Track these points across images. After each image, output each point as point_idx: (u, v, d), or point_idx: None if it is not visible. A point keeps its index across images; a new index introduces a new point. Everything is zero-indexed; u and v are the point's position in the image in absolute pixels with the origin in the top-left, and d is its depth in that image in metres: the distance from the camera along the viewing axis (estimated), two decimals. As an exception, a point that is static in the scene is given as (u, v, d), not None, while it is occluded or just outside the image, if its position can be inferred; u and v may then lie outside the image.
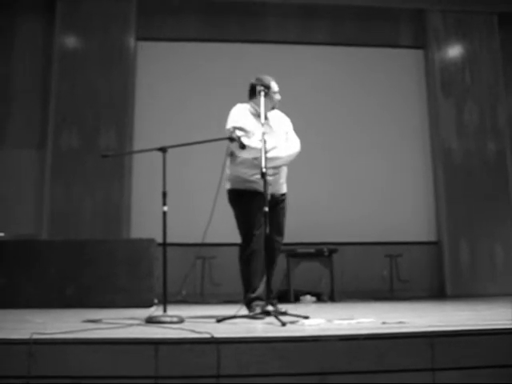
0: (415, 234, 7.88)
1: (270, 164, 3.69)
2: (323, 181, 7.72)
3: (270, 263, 3.72)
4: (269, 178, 3.69)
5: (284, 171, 4.00)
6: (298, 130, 4.19)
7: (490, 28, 8.21)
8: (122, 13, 7.72)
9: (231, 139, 3.60)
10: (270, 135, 3.82)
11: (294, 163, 4.04)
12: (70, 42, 7.62)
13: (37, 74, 7.71)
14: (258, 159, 3.65)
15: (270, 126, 3.91)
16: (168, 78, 7.84)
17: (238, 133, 3.76)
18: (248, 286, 3.82)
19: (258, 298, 3.74)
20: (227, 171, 3.95)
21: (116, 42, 7.66)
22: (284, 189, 4.03)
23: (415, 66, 8.31)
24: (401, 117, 8.12)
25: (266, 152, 3.51)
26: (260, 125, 3.74)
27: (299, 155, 4.06)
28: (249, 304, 3.75)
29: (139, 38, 7.86)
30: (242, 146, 3.59)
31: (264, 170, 3.37)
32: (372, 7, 8.19)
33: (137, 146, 7.45)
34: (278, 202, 3.94)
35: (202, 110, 7.51)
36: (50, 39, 7.66)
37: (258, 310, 3.55)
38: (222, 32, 8.00)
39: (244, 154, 3.78)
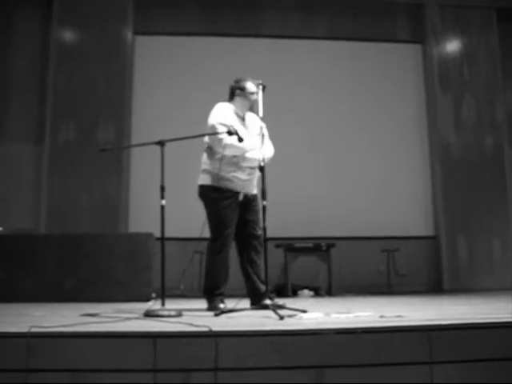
0: (413, 228, 7.90)
1: (248, 164, 3.79)
2: (321, 176, 7.72)
3: (254, 252, 3.85)
4: (245, 178, 3.82)
5: (257, 173, 3.92)
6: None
7: (488, 23, 8.21)
8: (120, 7, 7.70)
9: (230, 133, 3.60)
10: (248, 136, 3.83)
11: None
12: (68, 36, 7.60)
13: (34, 68, 7.70)
14: (237, 157, 3.75)
15: (247, 127, 3.93)
16: (166, 72, 7.83)
17: (222, 128, 3.76)
18: (211, 280, 3.88)
19: (221, 294, 3.85)
20: (203, 166, 3.97)
21: (113, 36, 7.65)
22: (255, 190, 4.01)
23: (413, 60, 8.31)
24: (399, 112, 8.12)
25: (246, 151, 3.64)
26: (241, 126, 3.84)
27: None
28: (210, 299, 3.84)
29: (137, 33, 7.84)
30: (240, 140, 3.59)
31: (262, 163, 3.38)
32: (370, 2, 8.18)
33: (135, 140, 7.45)
34: (250, 200, 3.94)
35: (200, 104, 7.43)
36: (48, 34, 7.65)
37: (221, 306, 3.68)
38: (220, 26, 7.98)
39: (225, 151, 3.78)
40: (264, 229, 3.43)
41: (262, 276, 3.77)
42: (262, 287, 3.73)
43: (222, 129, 3.75)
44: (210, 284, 3.89)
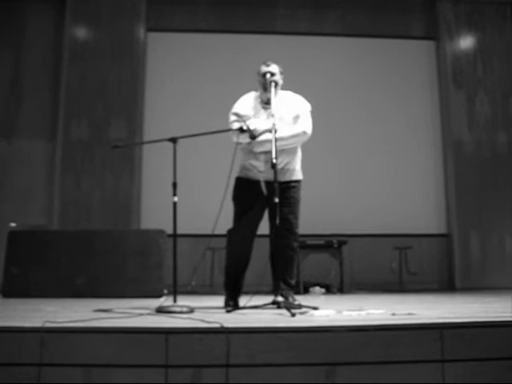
0: (425, 226, 7.86)
1: (261, 149, 3.61)
2: (333, 173, 7.71)
3: (279, 247, 3.63)
4: (261, 164, 3.64)
5: (284, 158, 3.68)
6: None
7: (503, 18, 8.14)
8: (132, 4, 7.73)
9: (241, 130, 3.58)
10: (268, 120, 3.57)
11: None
12: (80, 33, 7.64)
13: (47, 65, 7.74)
14: (251, 144, 3.62)
15: (269, 111, 3.62)
16: (178, 68, 7.84)
17: (232, 117, 3.76)
18: (226, 271, 3.82)
19: (237, 289, 3.75)
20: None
21: (126, 33, 7.67)
22: (286, 176, 3.72)
23: (426, 57, 8.26)
24: (412, 108, 8.08)
25: (254, 137, 3.53)
26: (262, 111, 3.71)
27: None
28: (226, 293, 3.77)
29: (149, 29, 7.86)
30: (253, 137, 3.57)
31: (274, 161, 3.26)
32: (383, -2, 8.16)
33: (146, 137, 7.48)
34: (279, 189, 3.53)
35: (212, 101, 7.50)
36: (61, 30, 7.69)
37: (231, 302, 3.61)
38: (232, 23, 7.99)
39: (238, 139, 3.64)
40: (276, 226, 3.36)
41: (284, 273, 3.74)
42: (281, 284, 3.68)
43: (232, 118, 3.76)
44: (225, 275, 3.82)
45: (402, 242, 7.57)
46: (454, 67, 8.00)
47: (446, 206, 7.92)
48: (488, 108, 7.91)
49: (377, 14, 8.17)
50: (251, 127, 3.58)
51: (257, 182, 3.65)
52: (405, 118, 8.04)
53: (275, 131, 3.39)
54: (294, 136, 3.66)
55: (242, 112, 3.76)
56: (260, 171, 3.66)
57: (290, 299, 3.67)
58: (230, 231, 3.80)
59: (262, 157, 3.63)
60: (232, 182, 3.80)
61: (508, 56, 8.06)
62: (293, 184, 3.79)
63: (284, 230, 3.67)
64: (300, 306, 3.32)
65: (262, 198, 3.63)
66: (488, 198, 7.67)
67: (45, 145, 7.59)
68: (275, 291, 3.45)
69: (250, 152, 3.69)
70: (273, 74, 3.76)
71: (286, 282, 3.74)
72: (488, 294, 5.77)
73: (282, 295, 3.34)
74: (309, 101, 3.89)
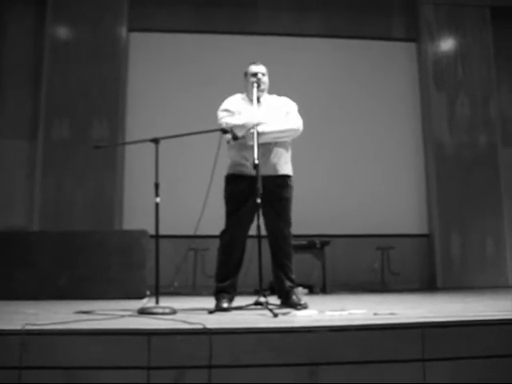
0: (407, 226, 7.92)
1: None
2: (315, 174, 7.72)
3: (278, 250, 3.68)
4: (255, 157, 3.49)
5: (274, 150, 3.67)
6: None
7: (483, 21, 8.23)
8: (114, 3, 7.68)
9: (224, 131, 3.56)
10: (263, 114, 3.64)
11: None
12: (62, 32, 7.57)
13: (28, 64, 7.66)
14: (245, 137, 3.56)
15: (259, 107, 3.67)
16: (160, 69, 7.81)
17: (222, 114, 3.71)
18: (217, 273, 3.70)
19: (224, 291, 3.61)
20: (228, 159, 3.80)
21: (108, 33, 7.62)
22: (281, 170, 3.70)
23: (408, 58, 8.32)
24: (393, 110, 8.13)
25: (236, 138, 3.49)
26: (250, 109, 3.65)
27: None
28: (215, 294, 3.63)
29: (131, 29, 7.82)
30: (235, 138, 3.54)
31: (256, 161, 3.30)
32: (365, -1, 8.21)
33: (129, 137, 7.44)
34: (273, 185, 3.59)
35: (195, 101, 7.49)
36: (42, 30, 7.62)
37: (224, 304, 3.47)
38: (214, 23, 7.97)
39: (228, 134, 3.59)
40: (258, 227, 3.30)
41: (290, 274, 3.69)
42: (287, 285, 3.67)
43: (222, 114, 3.71)
44: (215, 276, 3.70)
45: (384, 243, 7.61)
46: (434, 69, 8.07)
47: (428, 207, 7.98)
48: (468, 109, 7.99)
49: (359, 16, 8.21)
50: (243, 121, 3.57)
51: (250, 178, 3.47)
52: (386, 119, 8.08)
53: (258, 134, 3.43)
54: (290, 129, 3.72)
55: (232, 108, 3.73)
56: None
57: (295, 298, 3.62)
58: (222, 233, 3.71)
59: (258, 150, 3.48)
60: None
61: (488, 58, 8.15)
62: (286, 180, 3.75)
63: (284, 229, 3.73)
64: (306, 306, 3.41)
65: (255, 194, 3.40)
66: (469, 199, 7.75)
67: (26, 145, 7.50)
68: (287, 293, 3.54)
69: (242, 146, 3.58)
70: (264, 74, 3.80)
71: (290, 278, 3.71)
72: (469, 293, 5.83)
73: (263, 296, 3.25)
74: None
